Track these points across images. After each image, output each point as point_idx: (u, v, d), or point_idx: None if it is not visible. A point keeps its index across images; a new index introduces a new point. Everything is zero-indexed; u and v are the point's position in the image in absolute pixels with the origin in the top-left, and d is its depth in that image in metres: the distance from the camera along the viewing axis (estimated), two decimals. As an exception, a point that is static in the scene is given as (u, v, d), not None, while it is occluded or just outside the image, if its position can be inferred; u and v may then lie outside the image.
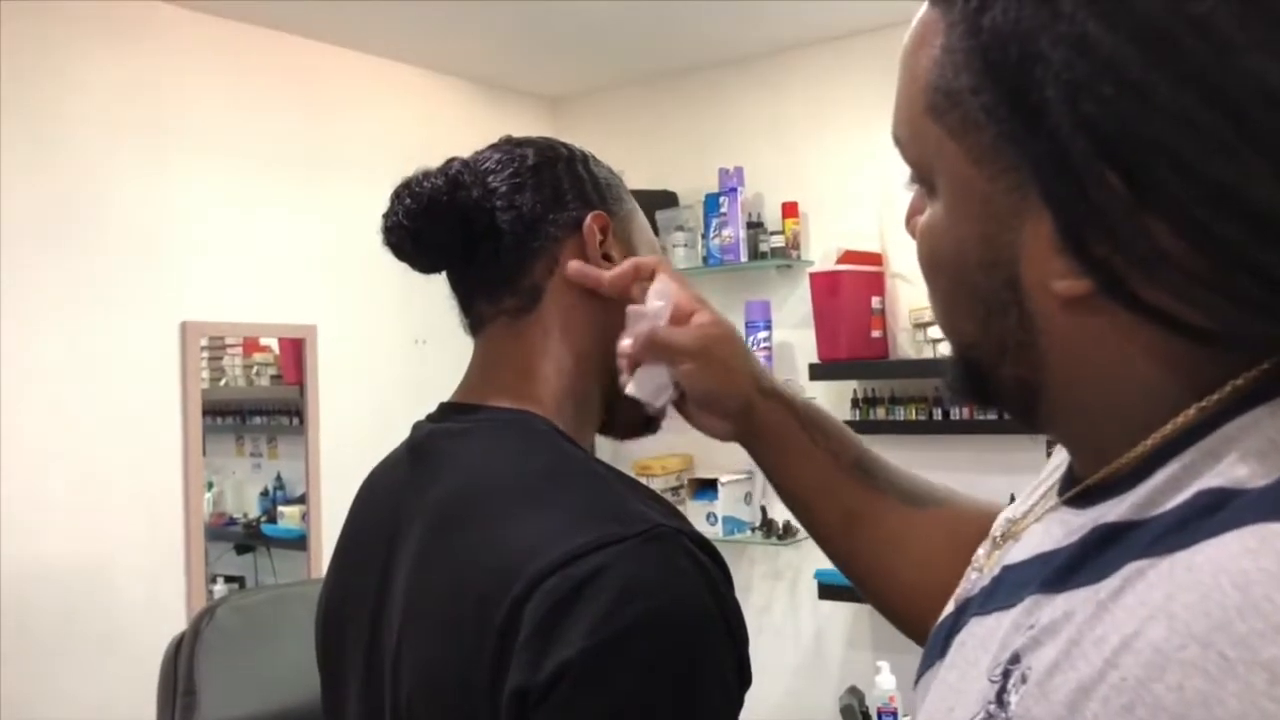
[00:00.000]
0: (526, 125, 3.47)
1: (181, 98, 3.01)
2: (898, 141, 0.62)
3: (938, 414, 3.19)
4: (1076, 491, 0.59)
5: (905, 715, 2.98)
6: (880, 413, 3.29)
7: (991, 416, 3.07)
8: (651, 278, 0.92)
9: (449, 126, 3.65)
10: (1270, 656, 0.38)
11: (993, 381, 0.60)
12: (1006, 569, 0.62)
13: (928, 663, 0.68)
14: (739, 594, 0.78)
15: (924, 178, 0.59)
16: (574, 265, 0.89)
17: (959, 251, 0.57)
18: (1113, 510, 0.53)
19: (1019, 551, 0.62)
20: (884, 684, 3.02)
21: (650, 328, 0.89)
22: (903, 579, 0.93)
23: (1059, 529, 0.58)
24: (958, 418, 3.15)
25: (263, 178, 3.18)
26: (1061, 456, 0.69)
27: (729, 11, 3.25)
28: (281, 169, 3.23)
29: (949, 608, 0.69)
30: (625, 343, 0.89)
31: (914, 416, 3.23)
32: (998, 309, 0.56)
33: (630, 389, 0.90)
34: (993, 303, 0.56)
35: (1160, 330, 0.50)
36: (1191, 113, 0.46)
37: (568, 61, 3.74)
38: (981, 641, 0.58)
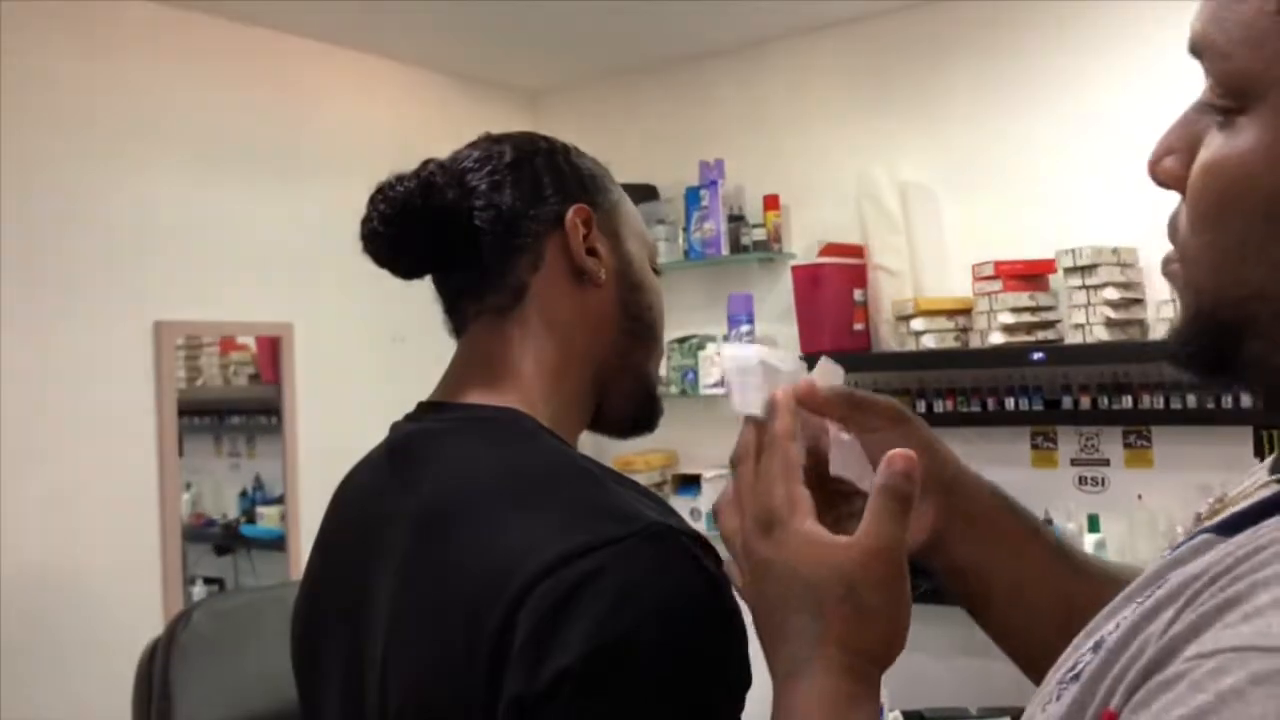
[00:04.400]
0: (505, 119, 3.44)
1: (154, 94, 2.96)
2: (1206, 48, 0.52)
3: (921, 406, 3.18)
4: None
5: (891, 711, 2.97)
6: (863, 406, 3.28)
7: (975, 409, 3.07)
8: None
9: (427, 121, 3.62)
10: None
11: (1262, 344, 0.52)
12: (1202, 531, 0.58)
13: None
14: (727, 592, 0.76)
15: (1243, 93, 0.50)
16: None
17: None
18: None
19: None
20: (870, 678, 3.01)
21: (851, 391, 0.78)
22: None
23: (1261, 498, 0.54)
24: (941, 410, 3.14)
25: (237, 174, 3.14)
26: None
27: (708, 4, 3.23)
28: (257, 165, 3.19)
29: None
30: (814, 384, 0.76)
31: (897, 409, 3.22)
32: None
33: (835, 469, 0.77)
34: None
35: None
36: None
37: (547, 55, 3.72)
38: (1142, 585, 0.55)
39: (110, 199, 2.85)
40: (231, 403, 3.35)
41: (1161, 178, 0.56)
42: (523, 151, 0.90)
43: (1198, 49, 0.52)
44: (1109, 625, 0.54)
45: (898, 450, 0.65)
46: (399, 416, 0.92)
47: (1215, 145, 0.52)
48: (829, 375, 0.78)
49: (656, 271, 0.97)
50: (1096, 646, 0.53)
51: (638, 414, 0.94)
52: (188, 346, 3.13)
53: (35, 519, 2.65)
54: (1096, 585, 0.79)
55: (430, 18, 3.25)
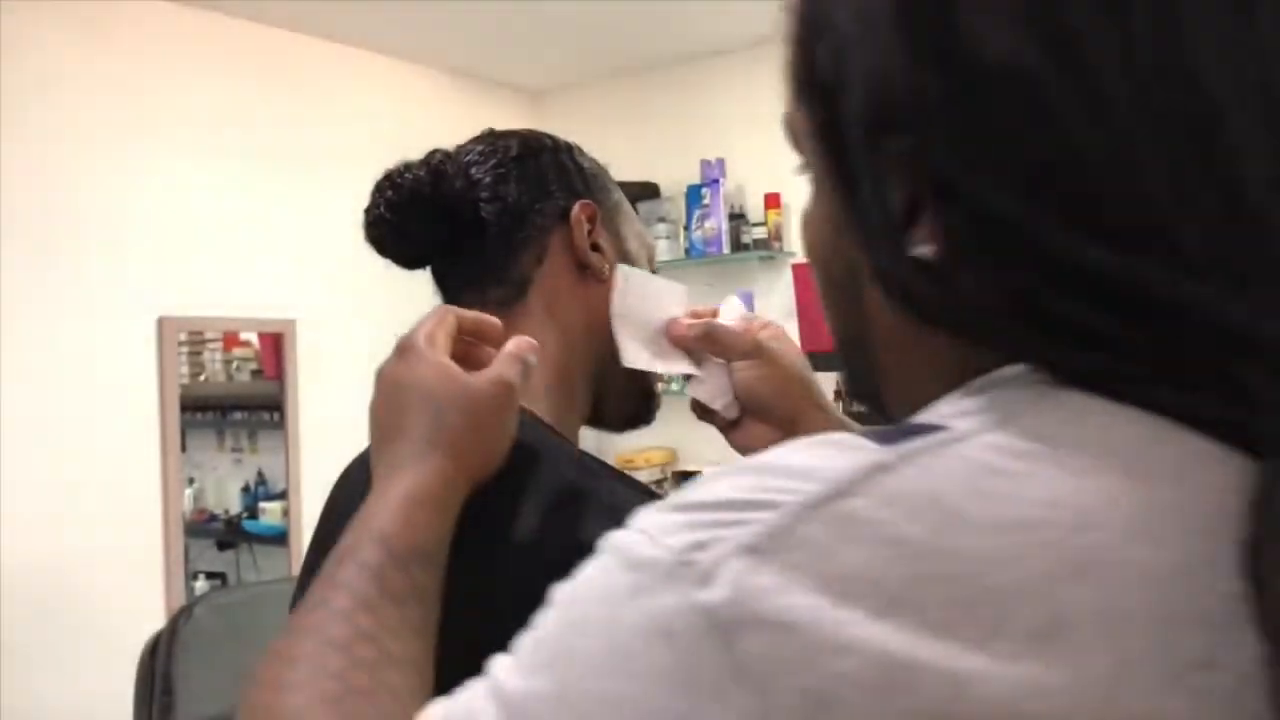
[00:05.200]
0: (507, 118, 3.44)
1: (159, 90, 2.97)
2: (785, 129, 0.61)
3: (921, 405, 3.19)
4: None
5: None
6: (864, 404, 3.29)
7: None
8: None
9: (429, 119, 3.62)
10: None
11: (850, 374, 0.59)
12: None
13: None
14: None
15: (803, 165, 0.58)
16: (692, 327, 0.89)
17: (819, 237, 0.56)
18: None
19: None
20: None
21: (709, 321, 0.89)
22: None
23: None
24: (941, 409, 3.14)
25: (240, 170, 3.15)
26: None
27: (710, 3, 3.23)
28: (259, 161, 3.20)
29: None
30: (682, 323, 0.89)
31: (898, 408, 3.23)
32: (846, 298, 0.54)
33: (691, 389, 0.90)
34: (842, 290, 0.55)
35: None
36: (933, 95, 0.44)
37: (549, 54, 3.72)
38: None
39: (114, 195, 2.86)
40: (234, 399, 3.36)
41: None
42: (528, 147, 0.91)
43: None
44: None
45: (520, 338, 0.76)
46: (399, 413, 0.92)
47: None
48: (730, 310, 0.91)
49: (654, 273, 0.97)
50: None
51: (636, 410, 0.95)
52: (190, 342, 3.14)
53: (38, 513, 2.65)
54: None
55: (434, 16, 3.26)
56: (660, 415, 0.97)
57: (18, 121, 2.68)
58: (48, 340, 2.71)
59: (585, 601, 0.44)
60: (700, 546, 0.40)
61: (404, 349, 0.73)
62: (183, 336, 3.05)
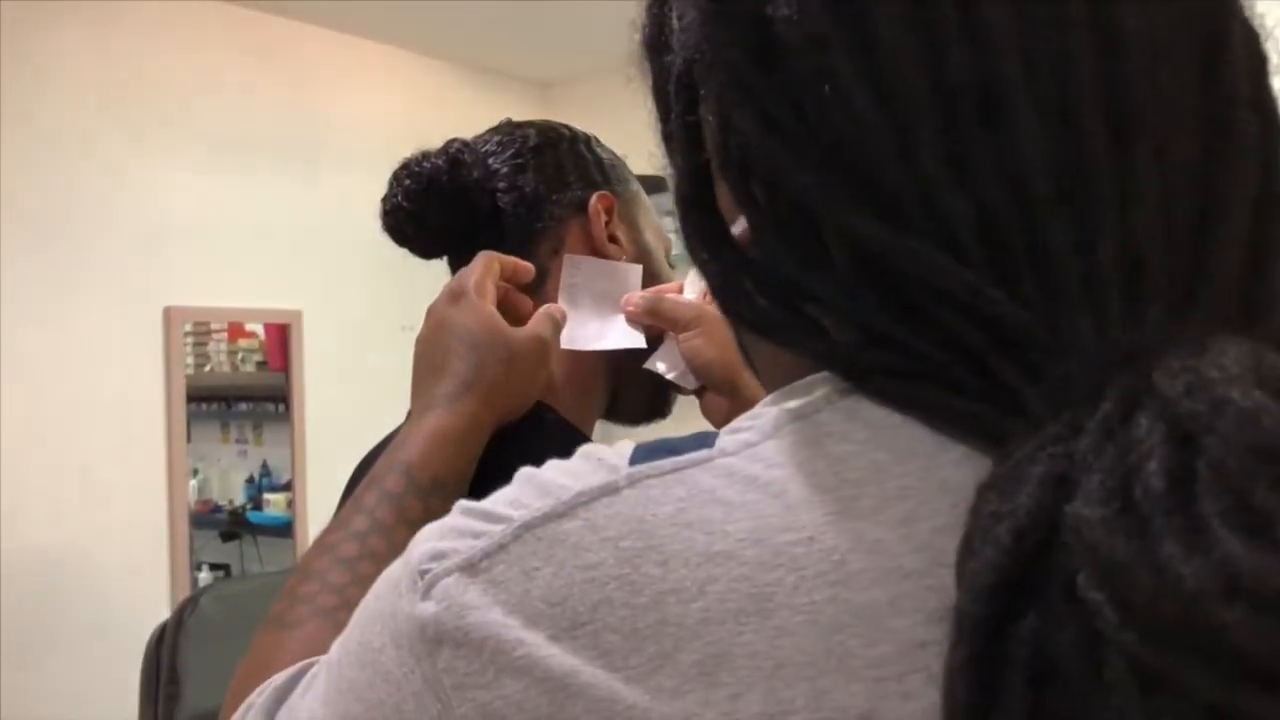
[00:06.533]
0: (517, 109, 3.42)
1: (164, 80, 2.96)
2: None
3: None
4: None
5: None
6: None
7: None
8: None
9: (437, 110, 3.62)
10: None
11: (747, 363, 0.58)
12: None
13: None
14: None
15: None
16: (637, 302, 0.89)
17: None
18: None
19: None
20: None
21: (655, 296, 0.88)
22: None
23: None
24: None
25: (248, 161, 3.14)
26: None
27: (719, -5, 3.22)
28: (267, 152, 3.20)
29: None
30: (631, 299, 0.88)
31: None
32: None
33: (648, 364, 0.89)
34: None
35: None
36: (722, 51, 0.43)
37: (559, 45, 3.71)
38: None
39: (121, 185, 2.86)
40: (239, 390, 3.36)
41: None
42: (546, 137, 0.90)
43: None
44: None
45: (552, 304, 0.83)
46: (406, 405, 0.92)
47: None
48: (693, 284, 0.92)
49: (670, 266, 0.97)
50: None
51: (653, 402, 0.95)
52: (196, 333, 3.14)
53: (42, 504, 2.66)
54: None
55: (442, 7, 3.25)
56: (681, 410, 0.97)
57: (22, 112, 2.67)
58: (53, 329, 2.71)
59: (379, 584, 0.45)
60: (438, 556, 0.41)
61: (456, 293, 0.78)
62: (188, 327, 3.05)
